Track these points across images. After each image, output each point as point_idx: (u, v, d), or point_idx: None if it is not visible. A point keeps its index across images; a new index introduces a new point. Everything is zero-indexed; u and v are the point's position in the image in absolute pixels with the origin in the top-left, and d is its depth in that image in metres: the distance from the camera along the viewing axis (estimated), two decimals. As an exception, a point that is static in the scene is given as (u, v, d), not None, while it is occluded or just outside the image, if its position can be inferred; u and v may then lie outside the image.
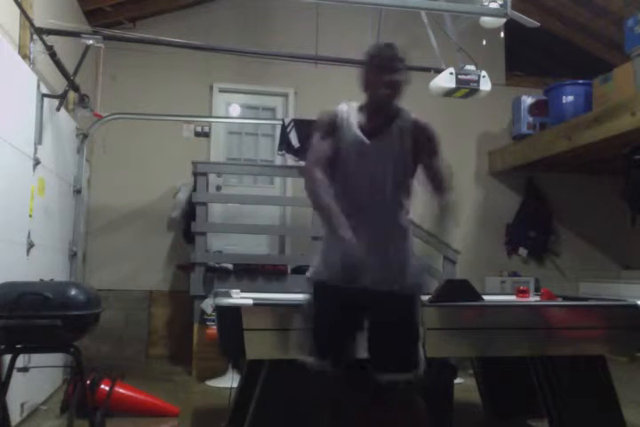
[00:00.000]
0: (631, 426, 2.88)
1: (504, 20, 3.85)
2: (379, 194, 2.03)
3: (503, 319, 2.64)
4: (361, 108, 2.11)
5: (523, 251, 6.22)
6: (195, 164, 4.93)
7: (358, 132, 2.04)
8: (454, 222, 2.19)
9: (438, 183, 2.14)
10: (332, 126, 2.07)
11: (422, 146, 2.11)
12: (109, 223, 5.47)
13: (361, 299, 1.98)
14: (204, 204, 4.82)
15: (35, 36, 3.49)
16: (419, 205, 2.20)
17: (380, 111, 2.09)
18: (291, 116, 5.63)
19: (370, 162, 2.04)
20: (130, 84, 5.51)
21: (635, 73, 4.69)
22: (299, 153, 4.72)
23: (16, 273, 2.82)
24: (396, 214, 2.06)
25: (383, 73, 2.02)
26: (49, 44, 3.51)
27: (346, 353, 2.04)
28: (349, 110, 2.09)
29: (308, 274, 2.15)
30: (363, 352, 2.06)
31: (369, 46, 2.10)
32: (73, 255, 4.30)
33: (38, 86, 3.40)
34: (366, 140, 2.03)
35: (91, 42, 3.77)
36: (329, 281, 2.01)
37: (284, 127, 4.93)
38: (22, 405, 3.10)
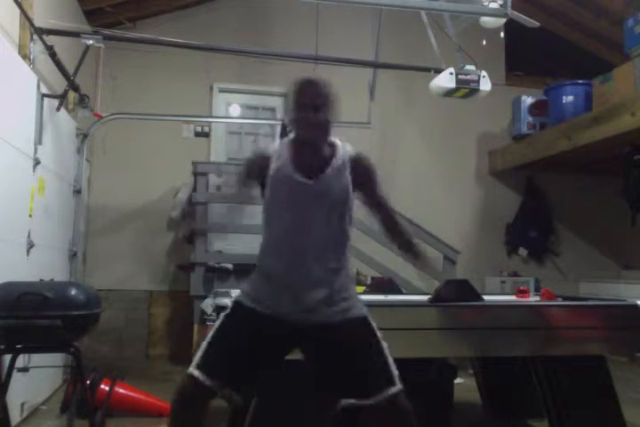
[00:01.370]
0: (631, 426, 2.88)
1: (504, 20, 3.85)
2: (312, 231, 1.90)
3: (503, 319, 2.63)
4: (293, 145, 1.97)
5: (523, 251, 6.22)
6: (195, 164, 4.93)
7: (293, 172, 1.91)
8: (421, 253, 2.11)
9: (387, 217, 2.06)
10: (264, 162, 1.95)
11: (362, 180, 1.98)
12: (109, 223, 5.47)
13: (288, 330, 1.88)
14: (204, 204, 4.82)
15: (35, 36, 3.49)
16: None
17: (309, 151, 1.95)
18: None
19: (304, 203, 1.91)
20: (130, 84, 5.51)
21: (635, 73, 4.69)
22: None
23: (16, 273, 2.82)
24: (332, 255, 1.93)
25: (303, 112, 1.88)
26: (49, 44, 3.51)
27: (240, 378, 1.89)
28: (281, 149, 1.97)
29: (234, 296, 2.04)
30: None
31: (293, 81, 1.95)
32: (73, 255, 4.30)
33: (38, 86, 3.40)
34: (301, 178, 1.90)
35: (91, 42, 3.77)
36: (254, 307, 1.91)
37: (283, 127, 4.93)
38: (22, 405, 3.11)
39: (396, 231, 2.08)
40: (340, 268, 1.94)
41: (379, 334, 1.92)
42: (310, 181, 1.91)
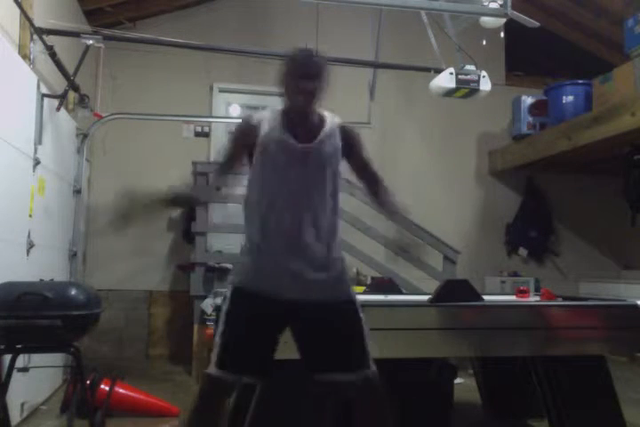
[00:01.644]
0: (631, 426, 2.88)
1: (504, 20, 3.85)
2: (308, 200, 1.95)
3: (503, 319, 2.63)
4: (283, 115, 2.03)
5: (523, 251, 6.22)
6: (195, 164, 4.93)
7: (286, 137, 1.96)
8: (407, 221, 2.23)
9: (372, 179, 2.18)
10: (252, 130, 2.00)
11: (350, 146, 2.08)
12: (109, 223, 5.46)
13: (285, 308, 1.92)
14: (205, 204, 4.82)
15: (35, 36, 3.49)
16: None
17: (300, 119, 2.01)
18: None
19: (299, 168, 1.96)
20: (130, 84, 5.51)
21: (635, 73, 4.69)
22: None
23: (16, 273, 2.82)
24: (326, 217, 1.98)
25: (297, 79, 1.94)
26: (49, 44, 3.51)
27: (259, 363, 1.95)
28: (273, 115, 2.03)
29: (229, 280, 2.07)
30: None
31: (289, 51, 2.04)
32: (73, 255, 4.30)
33: (38, 86, 3.40)
34: (295, 143, 1.96)
35: (91, 42, 3.77)
36: (251, 288, 1.94)
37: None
38: (22, 405, 3.11)
39: (381, 192, 2.19)
40: (334, 239, 2.00)
41: (363, 316, 2.00)
42: (303, 144, 1.96)
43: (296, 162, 1.96)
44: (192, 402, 1.95)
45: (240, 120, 2.11)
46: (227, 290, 2.02)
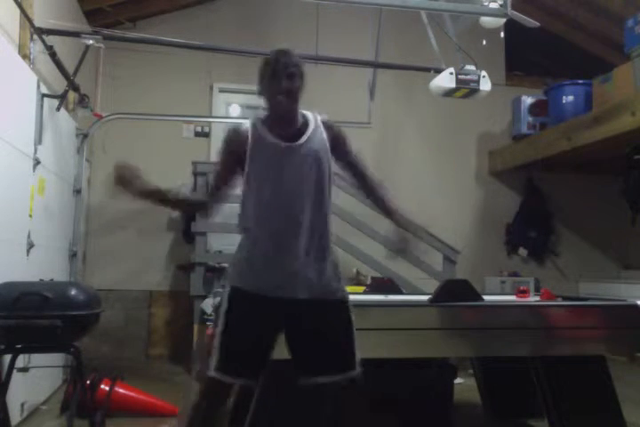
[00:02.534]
0: (631, 426, 2.88)
1: (504, 20, 3.85)
2: (301, 199, 1.97)
3: (503, 319, 2.64)
4: (266, 120, 2.05)
5: (523, 251, 6.22)
6: (195, 164, 4.93)
7: (274, 139, 1.99)
8: (412, 225, 2.25)
9: (368, 180, 2.18)
10: (240, 139, 2.01)
11: (336, 142, 2.09)
12: (109, 223, 5.47)
13: (281, 307, 1.94)
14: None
15: (35, 36, 3.49)
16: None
17: (284, 119, 2.03)
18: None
19: (291, 167, 1.98)
20: (130, 84, 5.51)
21: (635, 73, 4.68)
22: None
23: (16, 273, 2.82)
24: (318, 215, 2.00)
25: (276, 80, 1.96)
26: (49, 44, 3.51)
27: (259, 364, 1.96)
28: (257, 121, 2.05)
29: (226, 282, 2.08)
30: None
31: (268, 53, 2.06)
32: (73, 255, 4.30)
33: (38, 86, 3.40)
34: (281, 142, 1.98)
35: (91, 42, 3.76)
36: (248, 288, 1.97)
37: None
38: (22, 405, 3.11)
39: (370, 186, 2.20)
40: (327, 237, 2.02)
41: (353, 317, 2.01)
42: (292, 143, 1.98)
43: (285, 162, 1.98)
44: (192, 403, 1.95)
45: (227, 133, 2.10)
46: (224, 290, 2.03)
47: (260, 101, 2.08)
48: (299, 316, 1.96)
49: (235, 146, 2.03)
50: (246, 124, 2.06)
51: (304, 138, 2.01)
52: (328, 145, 2.05)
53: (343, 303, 2.02)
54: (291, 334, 1.99)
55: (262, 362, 1.95)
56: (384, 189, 2.21)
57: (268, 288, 1.93)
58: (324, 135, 2.05)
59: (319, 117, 2.10)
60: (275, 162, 1.98)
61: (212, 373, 1.90)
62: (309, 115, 2.09)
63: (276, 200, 1.97)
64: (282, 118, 2.03)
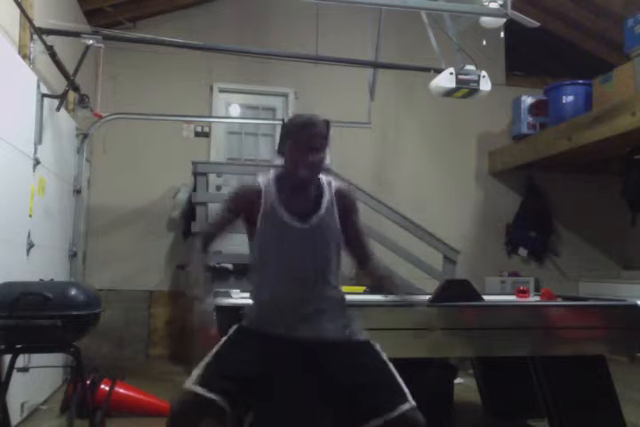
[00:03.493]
0: (631, 426, 2.88)
1: (504, 20, 3.85)
2: (309, 271, 1.93)
3: (503, 319, 2.63)
4: (279, 180, 1.98)
5: (523, 251, 6.22)
6: (195, 164, 4.93)
7: (286, 216, 1.92)
8: (398, 288, 2.16)
9: (366, 259, 2.08)
10: (249, 203, 1.94)
11: (346, 214, 2.00)
12: (109, 223, 5.47)
13: (296, 352, 1.87)
14: (204, 204, 4.82)
15: (35, 36, 3.49)
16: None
17: (301, 188, 1.96)
18: (291, 116, 5.64)
19: (299, 245, 1.92)
20: (130, 84, 5.51)
21: (635, 73, 4.69)
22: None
23: (16, 273, 2.82)
24: (326, 293, 1.96)
25: (305, 152, 1.87)
26: (49, 44, 3.50)
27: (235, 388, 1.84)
28: (269, 187, 1.96)
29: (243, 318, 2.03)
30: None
31: (290, 116, 1.98)
32: (73, 255, 4.30)
33: (38, 86, 3.40)
34: (296, 224, 1.92)
35: (91, 42, 3.76)
36: (256, 328, 1.94)
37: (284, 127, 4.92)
38: (22, 405, 3.11)
39: (368, 269, 2.10)
40: (340, 307, 1.98)
41: (384, 355, 1.91)
42: (303, 224, 1.92)
43: (295, 240, 1.92)
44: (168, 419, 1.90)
45: (237, 190, 2.03)
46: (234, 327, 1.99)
47: (276, 150, 2.00)
48: (321, 359, 1.88)
49: (242, 206, 1.97)
50: (259, 183, 1.97)
51: (317, 217, 1.93)
52: (338, 219, 1.98)
53: (364, 342, 1.93)
54: (322, 380, 1.90)
55: (244, 389, 1.84)
56: (373, 262, 2.09)
57: (278, 330, 1.90)
58: (336, 209, 1.98)
59: (334, 185, 2.01)
60: (283, 239, 1.93)
61: (188, 384, 1.81)
62: (324, 183, 2.00)
63: (282, 273, 1.93)
64: (296, 188, 1.96)
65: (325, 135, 1.92)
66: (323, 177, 2.01)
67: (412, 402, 1.79)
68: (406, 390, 1.83)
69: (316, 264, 1.94)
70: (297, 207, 1.94)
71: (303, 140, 1.88)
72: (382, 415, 1.75)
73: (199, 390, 1.79)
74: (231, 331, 1.97)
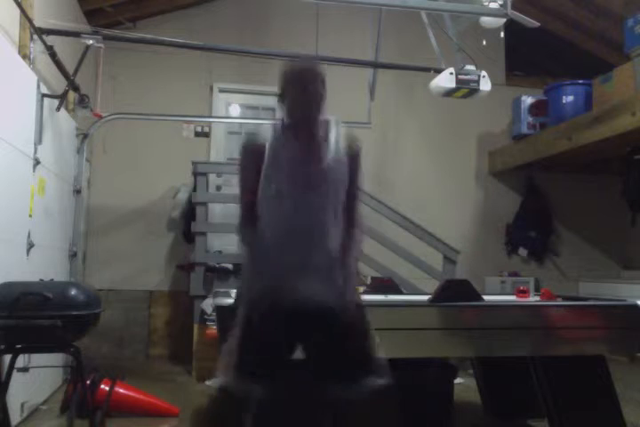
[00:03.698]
0: (631, 426, 2.88)
1: (504, 20, 3.85)
2: (315, 218, 1.91)
3: (503, 319, 2.63)
4: (283, 128, 1.96)
5: (523, 251, 6.22)
6: (195, 164, 4.93)
7: (292, 159, 1.91)
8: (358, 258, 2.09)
9: (351, 215, 2.01)
10: (258, 156, 1.92)
11: (350, 169, 1.99)
12: (109, 223, 5.47)
13: (299, 317, 1.87)
14: (204, 204, 4.82)
15: (35, 36, 3.49)
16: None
17: (305, 130, 1.95)
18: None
19: (308, 187, 1.91)
20: (130, 84, 5.51)
21: (635, 73, 4.68)
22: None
23: (16, 273, 2.82)
24: (334, 237, 1.93)
25: (305, 86, 1.90)
26: (49, 44, 3.51)
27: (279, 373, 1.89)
28: (273, 136, 1.94)
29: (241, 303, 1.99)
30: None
31: (290, 60, 1.99)
32: (73, 255, 4.30)
33: (38, 86, 3.40)
34: (304, 166, 1.91)
35: (91, 42, 3.76)
36: (267, 301, 1.90)
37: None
38: (22, 405, 3.11)
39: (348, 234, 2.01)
40: (338, 253, 1.95)
41: (371, 326, 1.96)
42: (311, 166, 1.91)
43: (303, 183, 1.91)
44: (201, 416, 1.90)
45: (243, 146, 1.99)
46: (239, 313, 1.96)
47: (277, 107, 2.03)
48: (315, 325, 1.89)
49: (254, 160, 1.93)
50: (264, 134, 1.96)
51: (324, 163, 1.91)
52: (347, 171, 1.96)
53: (358, 309, 1.96)
54: (310, 344, 1.93)
55: (275, 370, 1.88)
56: (354, 236, 2.01)
57: (283, 299, 1.87)
58: (345, 160, 1.95)
59: (340, 130, 1.99)
60: (290, 182, 1.91)
61: (221, 381, 1.83)
62: (331, 123, 1.98)
63: (288, 219, 1.91)
64: (302, 131, 1.95)
65: (320, 72, 1.94)
66: (332, 122, 1.99)
67: (382, 377, 1.86)
68: (382, 363, 1.89)
69: (320, 209, 1.91)
70: (302, 152, 1.93)
71: (299, 76, 1.91)
72: (359, 383, 1.84)
73: (237, 383, 1.82)
74: (241, 314, 1.93)
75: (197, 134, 5.77)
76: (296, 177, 1.91)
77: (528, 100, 5.97)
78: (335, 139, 1.97)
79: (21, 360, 2.68)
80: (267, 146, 1.93)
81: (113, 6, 5.22)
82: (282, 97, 1.97)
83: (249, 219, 1.95)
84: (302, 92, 1.90)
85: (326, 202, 1.92)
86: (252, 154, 1.95)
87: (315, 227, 1.91)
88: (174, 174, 5.39)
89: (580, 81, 5.48)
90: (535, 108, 5.94)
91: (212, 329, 4.22)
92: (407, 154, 6.10)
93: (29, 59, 3.49)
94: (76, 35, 3.86)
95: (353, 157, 1.99)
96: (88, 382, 3.01)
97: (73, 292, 2.49)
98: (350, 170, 1.98)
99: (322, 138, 1.95)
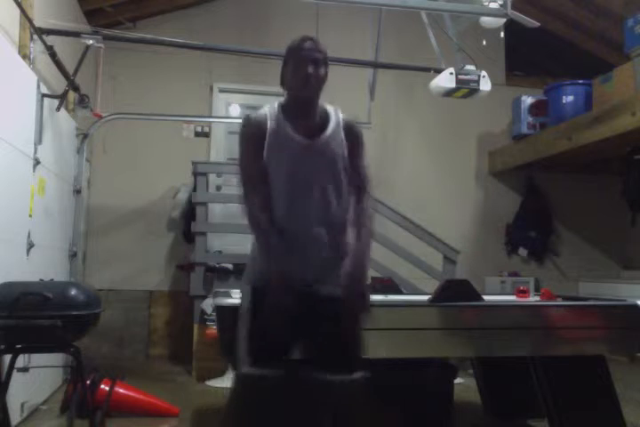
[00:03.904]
0: (631, 426, 2.88)
1: (504, 20, 3.85)
2: (314, 193, 1.93)
3: (503, 319, 2.64)
4: (285, 110, 1.97)
5: (523, 251, 6.22)
6: (195, 164, 4.93)
7: (294, 134, 1.92)
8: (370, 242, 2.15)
9: (359, 186, 2.06)
10: (262, 135, 1.93)
11: (350, 146, 2.01)
12: (109, 223, 5.47)
13: (306, 300, 1.88)
14: (204, 204, 4.82)
15: (35, 36, 3.49)
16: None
17: (305, 110, 1.96)
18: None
19: (308, 164, 1.93)
20: (130, 84, 5.51)
21: (635, 73, 4.68)
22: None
23: (16, 273, 2.82)
24: (335, 213, 1.98)
25: (306, 65, 1.89)
26: (49, 44, 3.51)
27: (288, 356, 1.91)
28: (274, 110, 1.96)
29: (247, 282, 2.00)
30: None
31: (292, 40, 1.98)
32: (73, 255, 4.30)
33: (38, 86, 3.40)
34: (304, 142, 1.92)
35: (91, 42, 3.76)
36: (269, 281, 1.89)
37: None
38: (22, 405, 3.11)
39: (354, 210, 2.05)
40: (344, 234, 2.00)
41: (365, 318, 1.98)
42: (310, 140, 1.93)
43: (303, 158, 1.93)
44: (227, 407, 1.91)
45: (244, 125, 1.99)
46: (244, 290, 1.98)
47: (279, 92, 2.01)
48: (318, 311, 1.90)
49: (257, 138, 1.94)
50: (263, 112, 1.97)
51: (324, 136, 1.94)
52: (345, 148, 1.98)
53: (362, 296, 1.99)
54: (311, 330, 1.93)
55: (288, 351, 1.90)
56: (364, 223, 2.08)
57: (292, 274, 1.87)
58: (343, 136, 1.98)
59: (340, 115, 2.02)
60: (291, 157, 1.92)
61: (243, 369, 1.83)
62: (330, 109, 2.01)
63: (289, 195, 1.93)
64: (302, 108, 1.96)
65: (323, 50, 1.94)
66: (331, 107, 2.02)
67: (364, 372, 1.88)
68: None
69: (321, 182, 1.93)
70: (303, 127, 1.94)
71: (302, 54, 1.91)
72: (352, 373, 1.86)
73: (255, 370, 1.82)
74: (246, 299, 1.94)
75: (197, 134, 5.77)
76: (295, 152, 1.93)
77: (528, 100, 5.97)
78: (336, 119, 2.00)
79: (21, 360, 2.68)
80: (268, 124, 1.94)
81: (113, 6, 5.22)
82: (284, 78, 1.98)
83: (251, 191, 1.95)
84: (305, 69, 1.90)
85: (323, 175, 1.95)
86: (255, 130, 1.96)
87: (316, 204, 1.94)
88: (174, 174, 5.39)
89: (580, 81, 5.48)
90: (535, 108, 5.94)
91: (212, 329, 4.22)
92: (407, 154, 6.10)
93: (29, 59, 3.49)
94: (76, 35, 3.86)
95: (351, 133, 2.02)
96: (88, 382, 3.01)
97: (73, 292, 2.49)
98: (350, 146, 2.00)
99: (321, 118, 1.98)
